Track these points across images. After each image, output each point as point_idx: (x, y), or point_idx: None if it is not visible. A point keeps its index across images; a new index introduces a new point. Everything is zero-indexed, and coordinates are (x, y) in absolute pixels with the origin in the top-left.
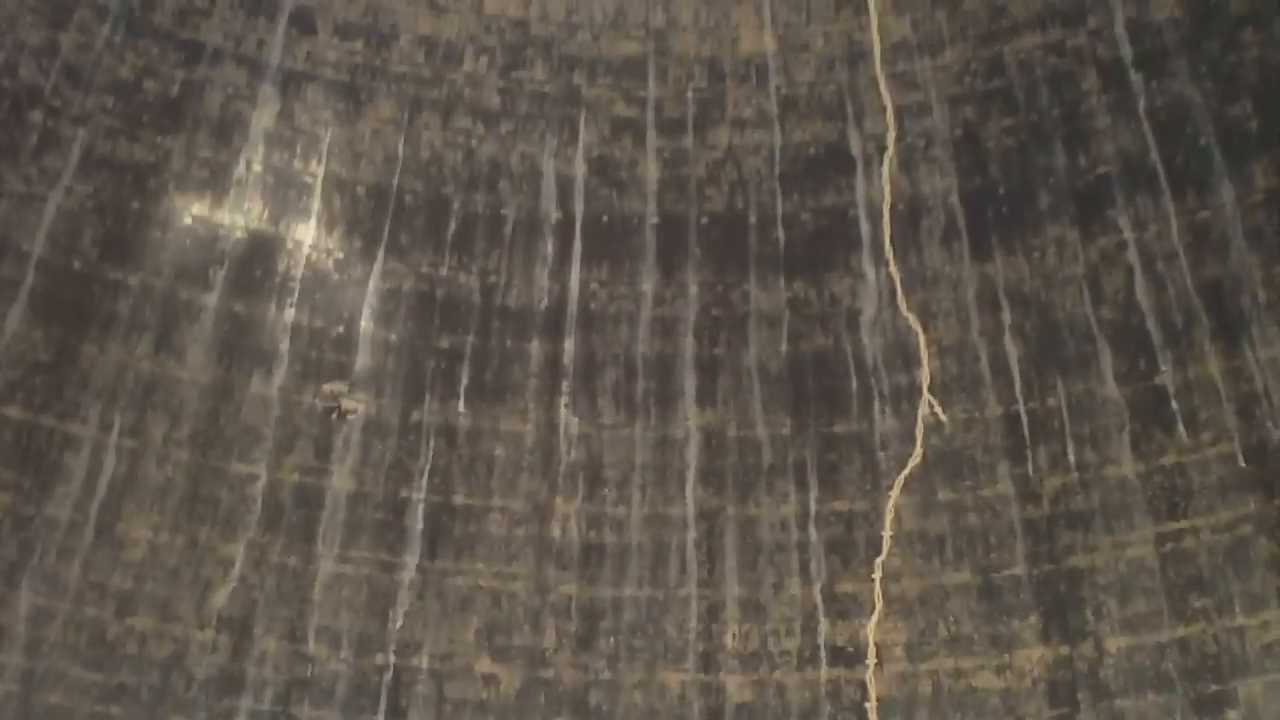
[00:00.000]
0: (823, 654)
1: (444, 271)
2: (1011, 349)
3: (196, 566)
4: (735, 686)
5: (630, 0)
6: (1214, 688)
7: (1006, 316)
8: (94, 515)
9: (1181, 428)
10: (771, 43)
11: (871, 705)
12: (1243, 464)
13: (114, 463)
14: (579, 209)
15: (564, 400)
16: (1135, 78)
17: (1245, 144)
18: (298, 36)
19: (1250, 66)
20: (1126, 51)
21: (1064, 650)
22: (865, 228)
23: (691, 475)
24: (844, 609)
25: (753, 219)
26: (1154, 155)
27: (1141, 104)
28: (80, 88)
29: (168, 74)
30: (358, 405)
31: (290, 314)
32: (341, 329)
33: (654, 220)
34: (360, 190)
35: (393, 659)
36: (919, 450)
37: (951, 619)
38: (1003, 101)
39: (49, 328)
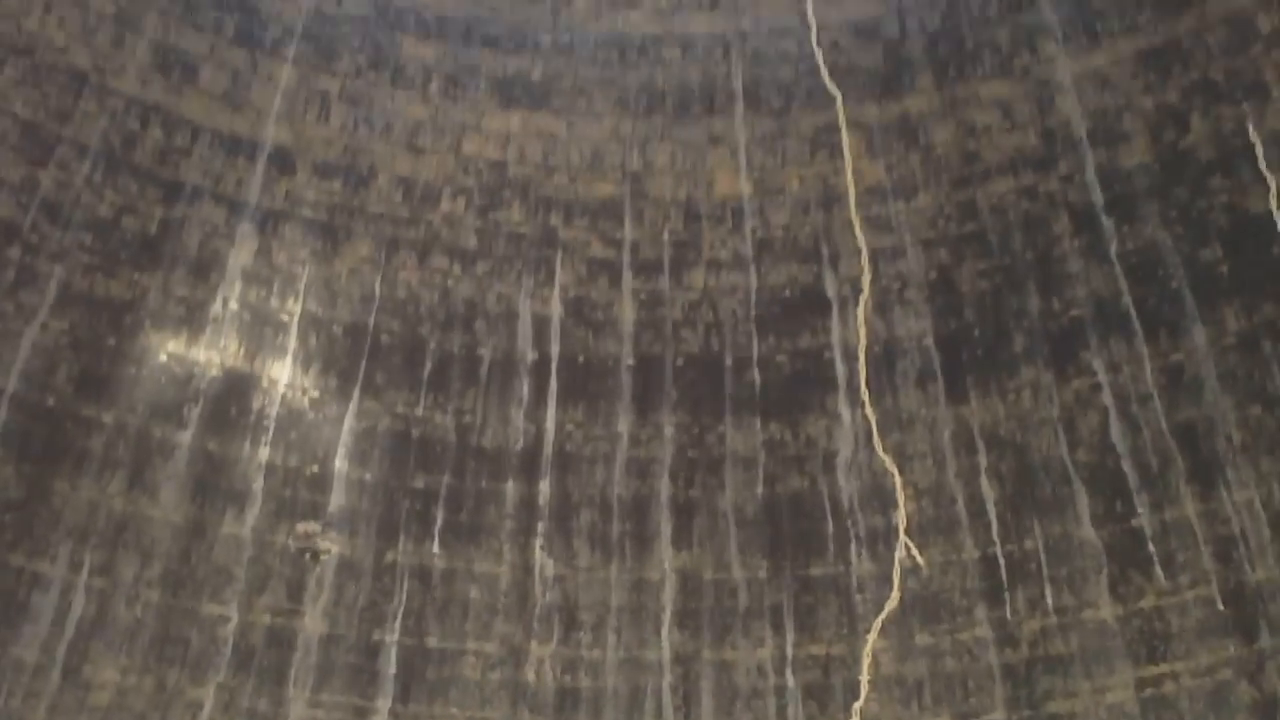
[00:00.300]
0: None
1: (419, 411)
2: (988, 491)
3: (164, 710)
4: None
5: (607, 143)
6: None
7: (982, 459)
8: (61, 657)
9: (1159, 570)
10: (747, 186)
11: None
12: (1221, 607)
13: (83, 603)
14: (555, 350)
15: (539, 542)
16: (1107, 222)
17: (1216, 287)
18: (277, 176)
19: (1220, 211)
20: (1098, 197)
21: None
22: (841, 370)
23: (667, 618)
24: None
25: (728, 361)
26: (1126, 298)
27: (1113, 248)
28: (59, 224)
29: (146, 211)
30: (331, 546)
31: (265, 453)
32: (316, 468)
33: (630, 361)
34: (337, 329)
35: None
36: (896, 593)
37: None
38: (976, 245)
39: (21, 464)
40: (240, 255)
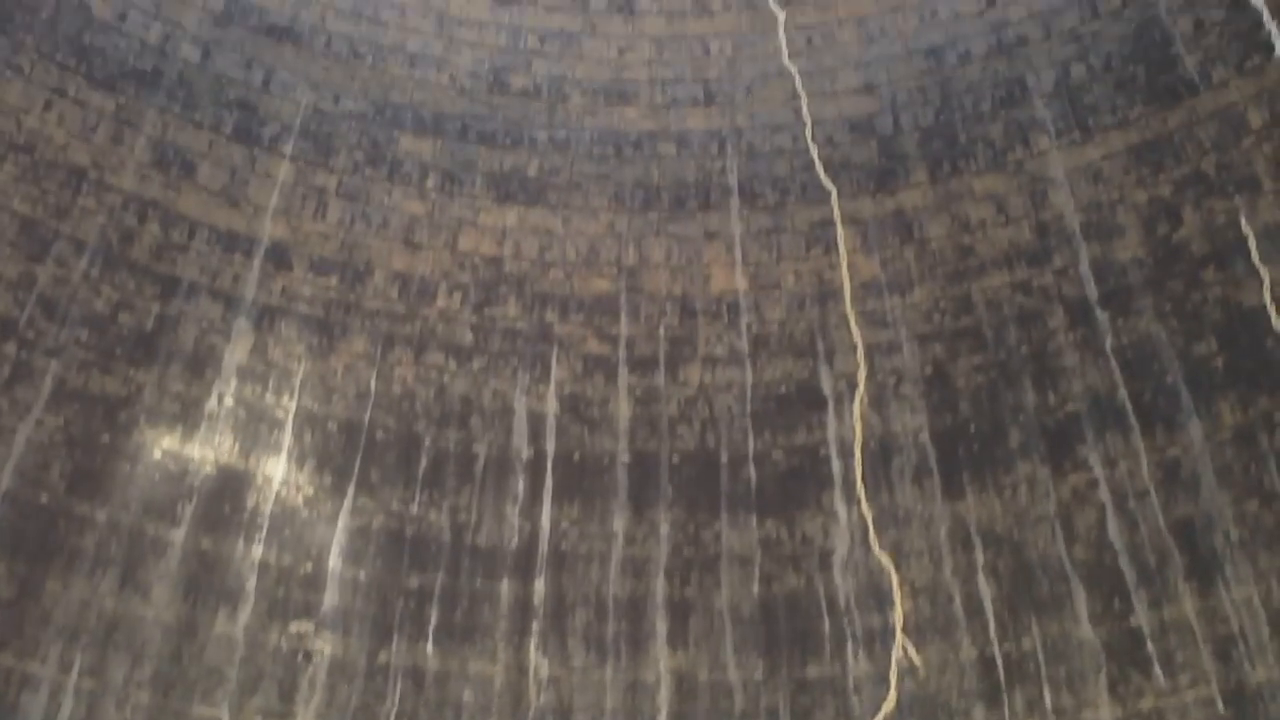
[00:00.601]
0: None
1: (414, 509)
2: (985, 589)
3: None
4: None
5: (602, 239)
6: None
7: (979, 556)
8: None
9: (1158, 670)
10: (743, 281)
11: None
12: (1222, 709)
13: (72, 704)
14: (550, 447)
15: (534, 642)
16: (1101, 316)
17: (1212, 381)
18: (273, 272)
19: (1214, 305)
20: (1092, 290)
21: None
22: (837, 466)
23: None
24: None
25: (724, 458)
26: (1122, 392)
27: (1108, 342)
28: (55, 320)
29: (143, 307)
30: (324, 646)
31: (258, 551)
32: (310, 566)
33: (625, 458)
34: (332, 425)
35: None
36: (893, 694)
37: None
38: (972, 339)
39: (12, 562)
40: (236, 351)
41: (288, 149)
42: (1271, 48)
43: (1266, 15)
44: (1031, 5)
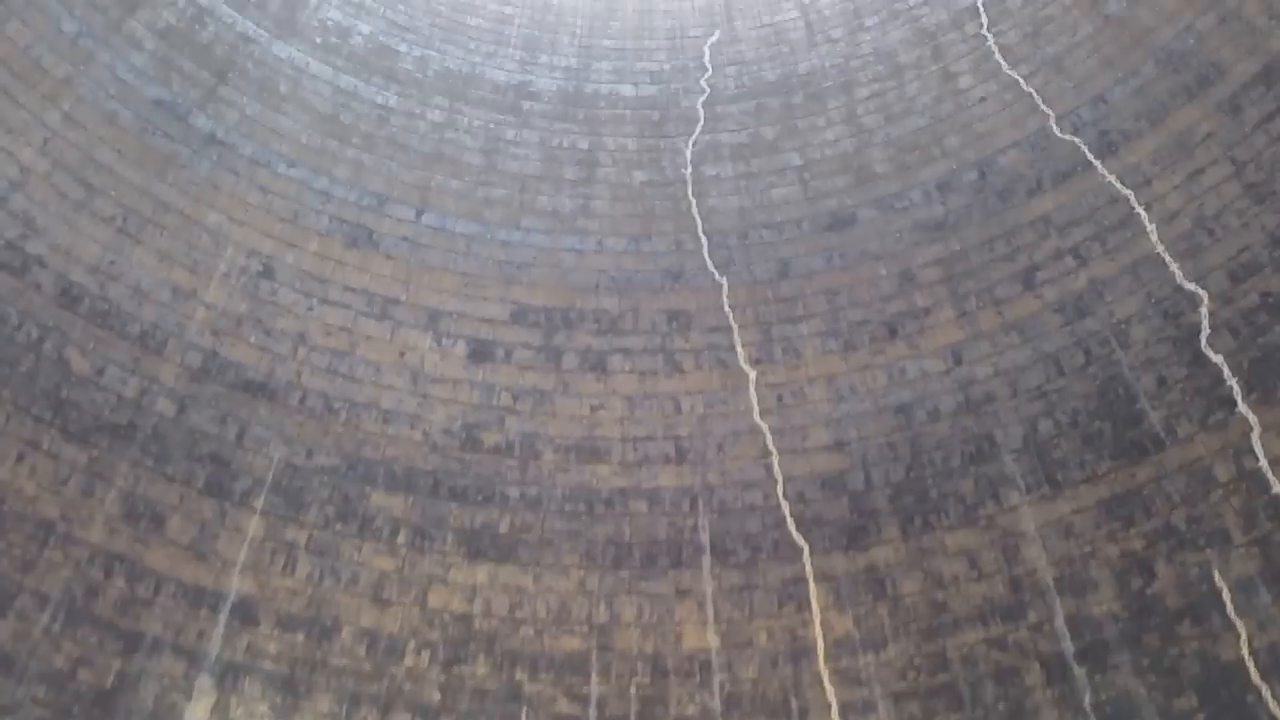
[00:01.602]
0: None
1: None
2: None
3: None
4: None
5: (573, 597)
6: None
7: None
8: None
9: None
10: (715, 639)
11: None
12: None
13: None
14: None
15: None
16: (1079, 671)
17: None
18: (239, 628)
19: (1192, 659)
20: (1068, 645)
21: None
22: None
23: None
24: None
25: None
26: None
27: (1087, 698)
28: (13, 677)
29: (103, 664)
30: None
31: None
32: None
33: None
34: None
35: None
36: None
37: None
38: (948, 696)
39: None
40: (197, 710)
41: (259, 503)
42: (1234, 403)
43: (1227, 371)
44: (998, 364)
